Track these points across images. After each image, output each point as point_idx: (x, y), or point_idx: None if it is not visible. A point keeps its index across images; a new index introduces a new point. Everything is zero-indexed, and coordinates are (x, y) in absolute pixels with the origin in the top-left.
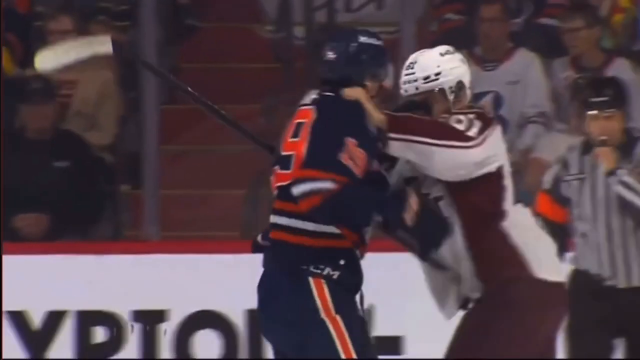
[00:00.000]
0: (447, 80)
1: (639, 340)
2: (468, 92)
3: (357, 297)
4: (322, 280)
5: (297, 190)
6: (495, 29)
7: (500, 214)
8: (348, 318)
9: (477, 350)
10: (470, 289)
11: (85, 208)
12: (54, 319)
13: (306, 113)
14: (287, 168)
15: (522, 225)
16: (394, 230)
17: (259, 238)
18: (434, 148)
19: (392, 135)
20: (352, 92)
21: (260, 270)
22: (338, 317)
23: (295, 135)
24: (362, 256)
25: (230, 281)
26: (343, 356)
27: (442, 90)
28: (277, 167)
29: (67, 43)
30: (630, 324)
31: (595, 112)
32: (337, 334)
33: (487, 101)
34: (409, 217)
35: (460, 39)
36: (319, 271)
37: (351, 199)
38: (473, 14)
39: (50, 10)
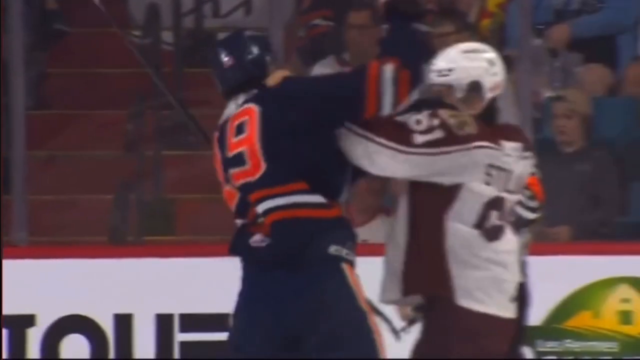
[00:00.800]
0: (458, 78)
1: None
2: (487, 95)
3: None
4: (350, 266)
5: None
6: (363, 35)
7: (440, 229)
8: None
9: None
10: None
11: None
12: None
13: (245, 112)
14: (244, 164)
15: (466, 251)
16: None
17: (251, 240)
18: (369, 143)
19: None
20: (275, 78)
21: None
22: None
23: (239, 133)
24: None
25: (99, 285)
26: (380, 355)
27: (451, 88)
28: (231, 170)
29: None
30: None
31: None
32: (374, 327)
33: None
34: None
35: (328, 45)
36: (342, 254)
37: None
38: (341, 20)
39: None
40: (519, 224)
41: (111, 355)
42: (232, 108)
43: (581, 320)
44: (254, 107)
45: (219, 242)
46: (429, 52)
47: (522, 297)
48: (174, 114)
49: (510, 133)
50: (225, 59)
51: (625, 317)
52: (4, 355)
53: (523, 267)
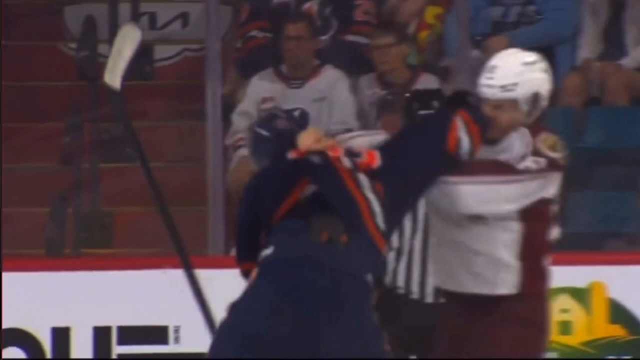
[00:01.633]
0: (524, 92)
1: None
2: (544, 105)
3: None
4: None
5: None
6: (301, 47)
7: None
8: None
9: None
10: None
11: None
12: None
13: None
14: None
15: None
16: None
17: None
18: None
19: None
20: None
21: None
22: None
23: None
24: None
25: (36, 299)
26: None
27: (515, 102)
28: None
29: (113, 50)
30: None
31: None
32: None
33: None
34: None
35: (266, 57)
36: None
37: None
38: (279, 31)
39: None
40: None
41: None
42: None
43: None
44: None
45: (157, 255)
46: None
47: None
48: (111, 127)
49: None
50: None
51: (565, 327)
52: None
53: None
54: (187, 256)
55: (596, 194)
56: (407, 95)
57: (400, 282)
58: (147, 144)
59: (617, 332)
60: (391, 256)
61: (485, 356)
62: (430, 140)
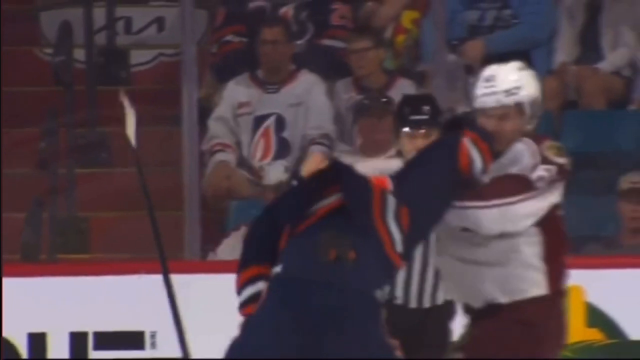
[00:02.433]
0: (527, 94)
1: None
2: (540, 110)
3: None
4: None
5: None
6: (277, 51)
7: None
8: None
9: None
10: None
11: None
12: None
13: None
14: None
15: None
16: None
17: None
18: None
19: None
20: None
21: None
22: None
23: None
24: None
25: (12, 304)
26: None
27: (520, 105)
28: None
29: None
30: None
31: (413, 130)
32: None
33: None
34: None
35: (241, 61)
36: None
37: None
38: (254, 35)
39: None
40: None
41: None
42: None
43: None
44: None
45: (133, 260)
46: None
47: None
48: (87, 132)
49: None
50: None
51: None
52: None
53: None
54: (166, 262)
55: (573, 197)
56: (384, 100)
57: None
58: (123, 149)
59: (594, 335)
60: None
61: (485, 356)
62: (441, 164)
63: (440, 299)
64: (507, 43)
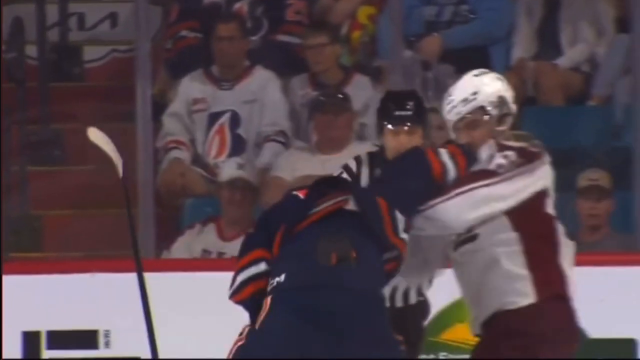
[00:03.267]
0: (486, 97)
1: None
2: (513, 108)
3: None
4: None
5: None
6: (231, 47)
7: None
8: None
9: None
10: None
11: None
12: None
13: None
14: None
15: None
16: None
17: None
18: None
19: None
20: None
21: None
22: None
23: None
24: None
25: None
26: None
27: (482, 109)
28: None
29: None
30: None
31: (396, 126)
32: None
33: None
34: None
35: (196, 57)
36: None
37: None
38: (209, 31)
39: None
40: None
41: None
42: None
43: (456, 333)
44: None
45: (86, 258)
46: None
47: None
48: (39, 129)
49: None
50: None
51: None
52: None
53: None
54: (141, 264)
55: None
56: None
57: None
58: (75, 146)
59: None
60: None
61: None
62: (415, 171)
63: (414, 298)
64: (465, 39)
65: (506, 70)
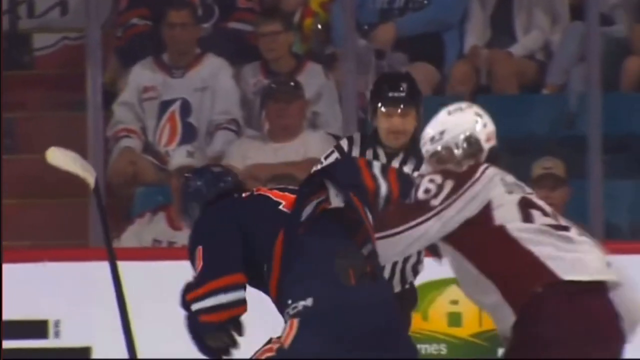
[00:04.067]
0: (453, 136)
1: None
2: (485, 147)
3: None
4: None
5: None
6: (183, 35)
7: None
8: None
9: None
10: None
11: None
12: None
13: None
14: None
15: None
16: None
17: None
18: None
19: None
20: None
21: None
22: None
23: None
24: None
25: None
26: None
27: (449, 149)
28: None
29: (74, 156)
30: None
31: (389, 107)
32: None
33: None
34: None
35: (146, 45)
36: None
37: None
38: (159, 19)
39: None
40: None
41: None
42: None
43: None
44: None
45: (36, 247)
46: None
47: None
48: None
49: None
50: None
51: (455, 319)
52: None
53: None
54: (113, 251)
55: None
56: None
57: None
58: (25, 135)
59: None
60: None
61: None
62: (348, 176)
63: (397, 288)
64: (418, 26)
65: (459, 58)
